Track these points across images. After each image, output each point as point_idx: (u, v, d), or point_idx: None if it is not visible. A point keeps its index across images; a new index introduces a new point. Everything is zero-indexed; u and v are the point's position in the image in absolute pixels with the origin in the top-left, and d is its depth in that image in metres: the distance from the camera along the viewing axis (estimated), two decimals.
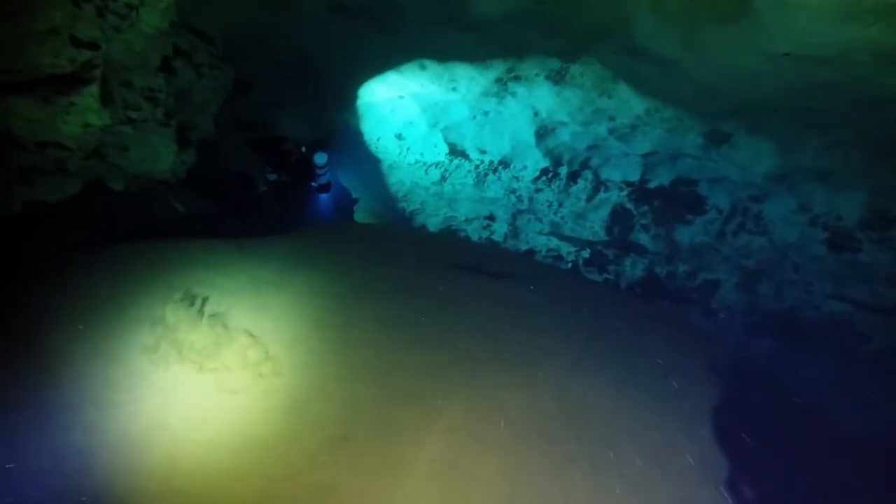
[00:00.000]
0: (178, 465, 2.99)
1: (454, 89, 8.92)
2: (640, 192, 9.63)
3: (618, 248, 9.93)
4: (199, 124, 7.32)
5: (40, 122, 5.07)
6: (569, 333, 5.10)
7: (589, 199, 9.86)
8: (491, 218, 10.55)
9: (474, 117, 9.69)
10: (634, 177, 9.58)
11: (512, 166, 10.10)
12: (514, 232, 10.44)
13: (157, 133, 6.24)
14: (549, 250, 10.30)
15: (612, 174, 9.71)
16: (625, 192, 9.72)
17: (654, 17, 5.67)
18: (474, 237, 10.57)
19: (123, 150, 6.16)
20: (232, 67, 7.29)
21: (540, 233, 10.29)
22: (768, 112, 6.80)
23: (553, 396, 4.14)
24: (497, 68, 8.19)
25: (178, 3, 5.52)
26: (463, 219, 10.67)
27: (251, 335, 3.90)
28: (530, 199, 10.21)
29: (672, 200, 9.47)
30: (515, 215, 10.40)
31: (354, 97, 9.30)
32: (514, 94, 8.80)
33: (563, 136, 9.42)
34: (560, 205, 10.04)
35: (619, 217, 9.85)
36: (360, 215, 10.78)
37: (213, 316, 3.94)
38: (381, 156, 10.48)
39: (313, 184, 9.03)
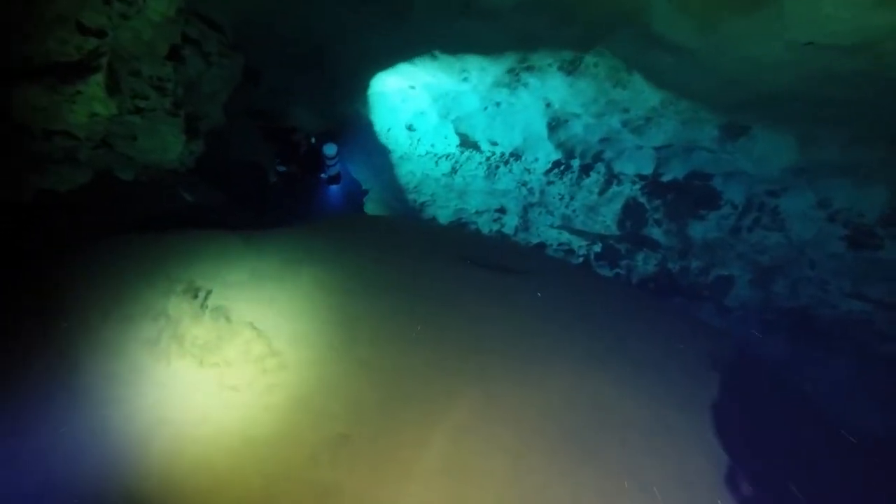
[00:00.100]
0: (177, 463, 2.95)
1: (465, 79, 8.79)
2: (653, 185, 9.46)
3: (630, 242, 9.78)
4: (209, 114, 7.27)
5: (47, 111, 5.05)
6: (579, 330, 5.00)
7: (601, 193, 9.71)
8: (502, 210, 10.44)
9: (486, 108, 9.56)
10: (648, 170, 9.40)
11: (523, 158, 9.96)
12: (525, 225, 10.32)
13: (165, 123, 6.20)
14: (560, 244, 10.17)
15: (626, 167, 9.54)
16: (638, 186, 9.55)
17: (671, 5, 5.51)
18: (485, 230, 10.46)
19: (132, 139, 6.13)
20: (241, 56, 7.22)
21: (551, 226, 10.16)
22: (788, 103, 6.60)
23: (562, 396, 4.04)
24: (509, 58, 8.04)
25: None
26: (473, 211, 10.56)
27: (254, 329, 3.85)
28: (542, 192, 10.07)
29: (686, 194, 9.29)
30: (526, 208, 10.27)
31: (365, 87, 9.20)
32: (526, 85, 8.66)
33: (576, 128, 9.27)
34: (572, 198, 9.89)
35: (631, 211, 9.68)
36: (371, 207, 10.73)
37: (216, 309, 3.89)
38: (391, 147, 10.39)
39: (323, 175, 8.98)
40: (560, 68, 8.10)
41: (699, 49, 6.02)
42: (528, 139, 9.72)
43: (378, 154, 10.39)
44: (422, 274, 5.31)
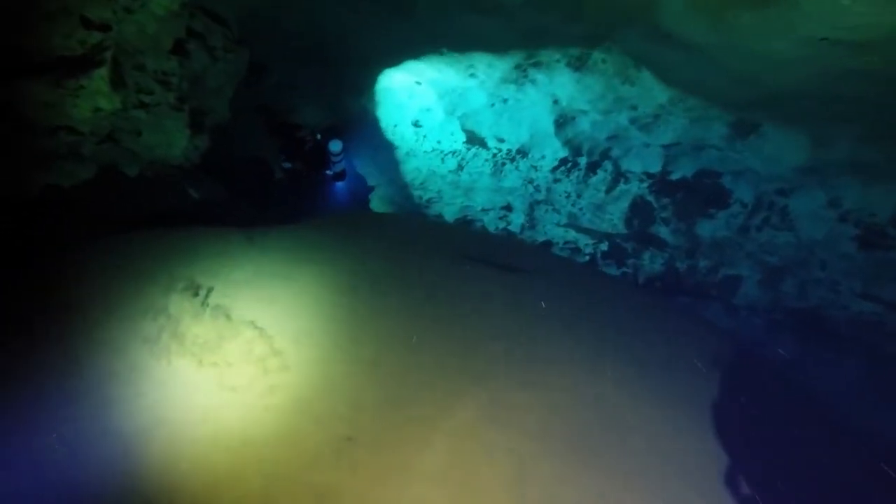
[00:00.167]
0: (176, 464, 2.91)
1: (472, 75, 8.72)
2: (661, 184, 9.37)
3: (637, 241, 9.69)
4: (214, 109, 7.24)
5: (51, 106, 5.02)
6: (585, 330, 4.93)
7: (608, 191, 9.62)
8: (508, 208, 10.37)
9: (493, 105, 9.48)
10: (656, 168, 9.31)
11: (530, 155, 9.89)
12: (532, 223, 10.25)
13: (170, 118, 6.18)
14: (566, 242, 10.10)
15: (633, 165, 9.45)
16: (645, 184, 9.46)
17: (683, 1, 5.42)
18: (491, 227, 10.40)
19: (137, 134, 6.10)
20: (247, 51, 7.18)
21: (557, 224, 10.09)
22: (800, 101, 6.50)
23: (568, 397, 3.98)
24: (516, 54, 7.97)
25: None
26: (480, 208, 10.50)
27: (256, 328, 3.80)
28: (548, 190, 10.00)
29: (694, 193, 9.20)
30: (533, 206, 10.20)
31: (370, 82, 9.15)
32: (533, 81, 8.58)
33: (583, 125, 9.18)
34: (579, 196, 9.81)
35: (639, 209, 9.60)
36: (376, 203, 10.69)
37: (217, 308, 3.85)
38: (397, 143, 10.34)
39: (328, 172, 8.95)
40: (568, 64, 8.02)
41: (710, 45, 5.92)
42: (535, 136, 9.64)
43: (384, 150, 10.35)
44: (427, 272, 5.26)
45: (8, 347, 3.33)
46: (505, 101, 9.36)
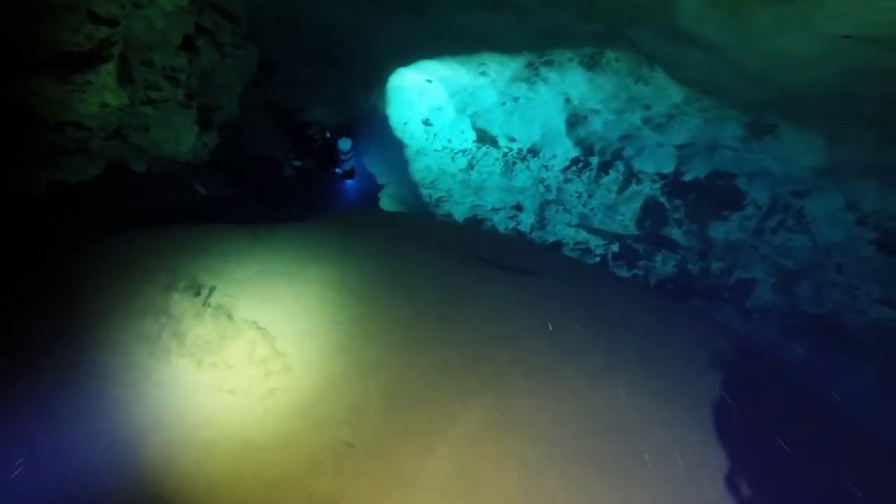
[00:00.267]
0: (173, 469, 2.85)
1: (483, 73, 8.63)
2: (673, 184, 9.23)
3: (649, 242, 9.56)
4: (223, 105, 7.20)
5: (58, 102, 5.00)
6: (596, 334, 4.82)
7: (620, 191, 9.49)
8: (518, 208, 10.28)
9: (503, 103, 9.39)
10: (668, 169, 9.18)
11: (541, 155, 9.78)
12: (542, 223, 10.15)
13: (178, 114, 6.14)
14: (576, 243, 9.99)
15: (646, 165, 9.32)
16: (658, 185, 9.33)
17: None
18: (501, 227, 10.31)
19: (145, 131, 6.07)
20: (256, 47, 7.13)
21: (568, 224, 9.98)
22: (818, 101, 6.33)
23: (577, 404, 3.88)
24: (528, 52, 7.87)
25: None
26: (490, 208, 10.42)
27: (258, 328, 3.74)
28: (559, 190, 9.89)
29: (707, 194, 9.05)
30: (543, 206, 10.10)
31: (381, 80, 9.08)
32: (545, 80, 8.47)
33: (595, 124, 9.07)
34: (590, 196, 9.69)
35: (651, 210, 9.47)
36: (386, 202, 10.63)
37: (219, 307, 3.79)
38: (407, 141, 10.27)
39: (337, 170, 8.91)
40: (580, 63, 7.92)
41: (726, 43, 5.79)
42: (547, 135, 9.54)
43: (394, 148, 10.29)
44: (434, 273, 5.17)
45: (6, 346, 3.29)
46: (516, 99, 9.26)
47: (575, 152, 9.52)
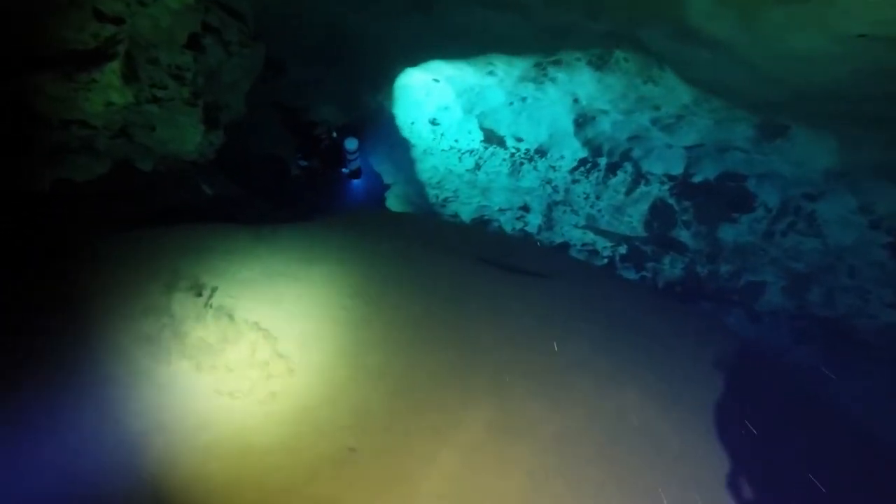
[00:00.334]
0: (172, 474, 2.80)
1: (491, 73, 8.57)
2: (682, 186, 9.14)
3: (657, 244, 9.46)
4: (229, 104, 7.16)
5: (63, 100, 4.98)
6: (603, 338, 4.75)
7: (628, 193, 9.41)
8: (525, 208, 10.21)
9: (511, 103, 9.32)
10: (677, 170, 9.09)
11: (549, 155, 9.71)
12: (549, 224, 10.07)
13: (183, 113, 6.11)
14: (584, 244, 9.90)
15: (654, 167, 9.23)
16: (666, 187, 9.23)
17: None
18: (507, 228, 10.24)
19: (150, 129, 6.05)
20: (263, 46, 7.10)
21: (575, 226, 9.90)
22: (831, 101, 6.22)
23: (584, 410, 3.80)
24: (536, 52, 7.80)
25: None
26: (497, 208, 10.35)
27: (260, 330, 3.69)
28: (566, 191, 9.81)
29: (717, 196, 8.95)
30: (551, 206, 10.02)
31: (388, 80, 9.04)
32: (553, 80, 8.40)
33: (604, 125, 8.99)
34: (598, 197, 9.61)
35: (659, 212, 9.37)
36: (392, 202, 10.58)
37: (220, 308, 3.74)
38: (414, 141, 10.23)
39: (344, 170, 8.87)
40: (588, 63, 7.84)
41: (738, 43, 5.70)
42: (554, 136, 9.47)
43: (400, 148, 10.25)
44: (440, 274, 5.11)
45: (6, 346, 3.26)
46: (524, 99, 9.20)
47: (583, 153, 9.44)
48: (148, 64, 5.56)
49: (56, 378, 3.17)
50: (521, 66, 8.25)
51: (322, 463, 3.00)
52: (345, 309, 4.17)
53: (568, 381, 4.03)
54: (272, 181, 8.80)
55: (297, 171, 9.00)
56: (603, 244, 9.79)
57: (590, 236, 9.82)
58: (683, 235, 9.21)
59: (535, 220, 10.11)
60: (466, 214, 10.41)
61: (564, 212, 9.90)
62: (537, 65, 8.19)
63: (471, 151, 10.10)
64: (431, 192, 10.45)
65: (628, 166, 9.32)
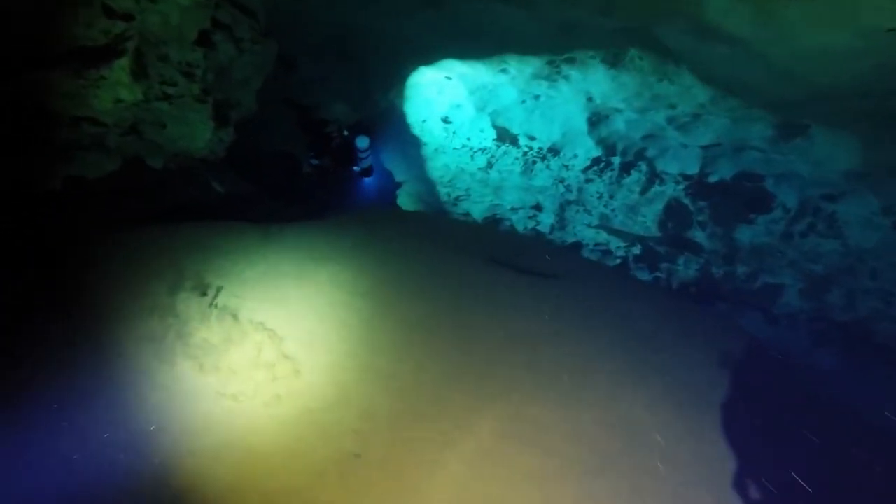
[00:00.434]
0: (173, 477, 2.75)
1: (503, 71, 8.48)
2: (698, 186, 8.98)
3: (671, 245, 9.31)
4: (240, 101, 7.14)
5: (72, 97, 4.97)
6: (615, 342, 4.64)
7: (643, 192, 9.26)
8: (538, 208, 10.10)
9: (524, 101, 9.22)
10: (693, 170, 8.93)
11: (562, 154, 9.59)
12: (562, 223, 9.96)
13: (193, 110, 6.09)
14: (597, 244, 9.78)
15: (669, 166, 9.08)
16: (681, 186, 9.08)
17: None
18: (519, 227, 10.14)
19: (161, 126, 6.04)
20: (275, 43, 7.06)
21: (588, 225, 9.78)
22: (853, 99, 6.04)
23: (595, 416, 3.70)
24: (549, 49, 7.69)
25: None
26: (509, 207, 10.25)
27: (265, 330, 3.63)
28: (580, 190, 9.69)
29: (733, 196, 8.78)
30: (563, 206, 9.91)
31: (399, 78, 8.98)
32: (566, 78, 8.29)
33: (618, 123, 8.86)
34: (611, 197, 9.48)
35: (674, 212, 9.22)
36: (404, 200, 10.53)
37: (225, 308, 3.68)
38: (426, 139, 10.16)
39: (355, 168, 8.84)
40: (603, 61, 7.73)
41: (757, 39, 5.55)
42: (568, 134, 9.35)
43: (412, 146, 10.19)
44: (450, 275, 5.02)
45: (9, 346, 3.24)
46: (537, 97, 9.09)
47: (596, 152, 9.31)
48: (158, 61, 5.54)
49: (58, 378, 3.14)
50: (533, 63, 8.15)
51: (326, 468, 2.94)
52: (352, 310, 4.10)
53: (579, 386, 3.92)
54: (283, 178, 8.79)
55: (308, 168, 8.98)
56: (616, 244, 9.66)
57: (603, 236, 9.70)
58: (699, 236, 9.06)
59: (547, 220, 10.00)
60: (478, 213, 10.32)
61: (577, 211, 9.78)
62: (550, 62, 8.09)
63: (483, 149, 10.01)
64: (443, 191, 10.37)
65: (643, 165, 9.18)
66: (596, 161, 9.39)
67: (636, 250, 9.53)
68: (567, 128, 9.27)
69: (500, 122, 9.69)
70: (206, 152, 6.57)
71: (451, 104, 9.88)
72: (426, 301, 4.44)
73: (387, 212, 8.89)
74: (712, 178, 8.80)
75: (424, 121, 10.02)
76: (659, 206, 9.22)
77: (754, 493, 3.73)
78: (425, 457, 3.12)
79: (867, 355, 7.93)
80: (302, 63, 8.24)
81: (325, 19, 7.34)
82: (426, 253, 5.29)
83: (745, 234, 8.77)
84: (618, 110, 8.57)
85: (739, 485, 3.70)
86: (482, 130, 9.90)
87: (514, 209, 10.19)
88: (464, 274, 5.08)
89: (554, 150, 9.62)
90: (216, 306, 3.67)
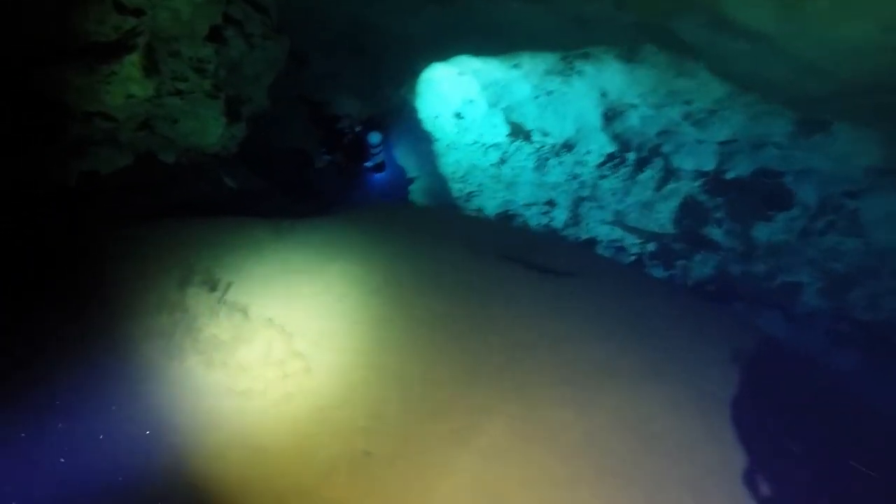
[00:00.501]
0: (182, 474, 2.73)
1: (516, 66, 8.39)
2: (714, 182, 8.82)
3: (687, 242, 9.18)
4: (252, 97, 7.13)
5: (85, 92, 4.97)
6: (631, 340, 4.55)
7: (658, 189, 9.12)
8: (551, 204, 10.00)
9: (537, 97, 9.12)
10: (709, 166, 8.77)
11: (576, 150, 9.48)
12: (576, 220, 9.85)
13: (205, 105, 6.08)
14: (611, 241, 9.66)
15: (685, 162, 8.93)
16: (698, 183, 8.93)
17: None
18: (533, 223, 10.05)
19: (173, 122, 6.04)
20: (287, 39, 7.04)
21: (603, 222, 9.66)
22: (876, 93, 5.89)
23: (610, 416, 3.62)
24: (562, 44, 7.60)
25: None
26: (522, 203, 10.16)
27: (275, 327, 3.60)
28: (594, 186, 9.57)
29: (751, 193, 8.62)
30: (577, 202, 9.80)
31: (412, 73, 8.93)
32: (580, 73, 8.18)
33: (633, 119, 8.73)
34: (626, 193, 9.35)
35: (689, 209, 9.07)
36: (416, 196, 10.49)
37: (234, 304, 3.66)
38: (438, 135, 10.10)
39: (367, 164, 8.82)
40: (617, 56, 7.62)
41: (777, 33, 5.41)
42: (581, 130, 9.23)
43: (424, 142, 10.14)
44: (463, 272, 4.96)
45: (17, 341, 3.23)
46: (550, 93, 8.98)
47: (611, 148, 9.19)
48: (169, 56, 5.53)
49: (66, 374, 3.14)
50: (547, 58, 8.07)
51: (337, 466, 2.91)
52: (364, 307, 4.06)
53: (593, 386, 3.85)
54: (295, 174, 8.78)
55: (321, 164, 8.97)
56: (631, 241, 9.53)
57: (617, 233, 9.58)
58: (715, 233, 8.91)
59: (561, 216, 9.90)
60: (491, 209, 10.25)
61: (591, 207, 9.67)
62: (564, 58, 8.01)
63: (496, 145, 9.93)
64: (455, 187, 10.32)
65: (658, 162, 9.04)
66: (610, 157, 9.27)
67: (651, 247, 9.41)
68: (581, 123, 9.16)
69: (514, 117, 9.60)
70: (218, 148, 6.56)
71: (463, 99, 9.81)
72: (438, 298, 4.38)
73: (398, 207, 8.85)
74: (729, 175, 8.64)
75: (437, 116, 9.96)
76: (674, 202, 9.08)
77: (774, 494, 3.64)
78: (437, 456, 3.07)
79: (888, 356, 7.76)
80: (314, 59, 8.21)
81: (337, 15, 7.30)
82: (438, 249, 5.24)
83: (763, 232, 8.61)
84: (633, 106, 8.46)
85: (758, 487, 3.61)
86: (495, 126, 9.82)
87: (527, 205, 10.10)
88: (476, 270, 5.02)
89: (568, 146, 9.51)
90: (226, 302, 3.65)
